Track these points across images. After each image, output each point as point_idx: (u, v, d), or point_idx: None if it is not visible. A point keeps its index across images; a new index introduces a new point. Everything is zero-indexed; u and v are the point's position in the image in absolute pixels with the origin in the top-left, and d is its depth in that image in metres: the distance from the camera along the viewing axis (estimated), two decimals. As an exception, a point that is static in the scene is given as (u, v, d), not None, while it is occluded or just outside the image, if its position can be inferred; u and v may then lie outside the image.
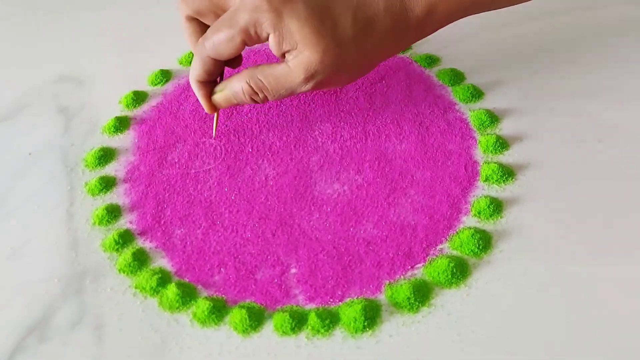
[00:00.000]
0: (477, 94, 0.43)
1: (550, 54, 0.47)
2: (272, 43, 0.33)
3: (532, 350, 0.29)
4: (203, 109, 0.44)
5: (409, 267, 0.33)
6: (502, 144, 0.39)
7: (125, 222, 0.36)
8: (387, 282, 0.32)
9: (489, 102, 0.43)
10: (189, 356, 0.30)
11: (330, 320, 0.31)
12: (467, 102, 0.43)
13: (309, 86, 0.34)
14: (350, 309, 0.31)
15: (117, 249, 0.35)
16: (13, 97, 0.46)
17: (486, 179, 0.37)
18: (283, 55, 0.34)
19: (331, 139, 0.40)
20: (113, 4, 0.57)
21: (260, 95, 0.35)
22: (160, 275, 0.33)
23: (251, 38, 0.33)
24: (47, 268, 0.34)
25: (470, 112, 0.42)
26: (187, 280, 0.33)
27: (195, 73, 0.36)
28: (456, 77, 0.45)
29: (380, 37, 0.34)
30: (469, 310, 0.31)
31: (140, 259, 0.34)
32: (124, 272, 0.33)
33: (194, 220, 0.36)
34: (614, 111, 0.41)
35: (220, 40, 0.33)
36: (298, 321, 0.31)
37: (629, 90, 0.43)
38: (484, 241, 0.34)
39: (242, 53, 0.36)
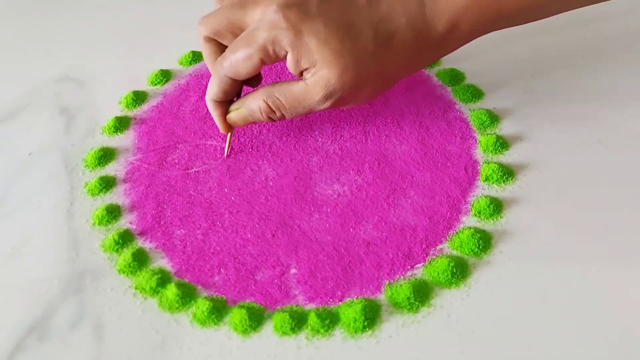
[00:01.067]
0: (477, 94, 0.43)
1: (550, 54, 0.47)
2: (289, 61, 0.33)
3: (532, 351, 0.29)
4: (203, 109, 0.44)
5: (409, 267, 0.33)
6: (502, 144, 0.39)
7: (125, 222, 0.36)
8: (387, 282, 0.32)
9: (489, 102, 0.43)
10: (189, 356, 0.30)
11: (330, 321, 0.31)
12: (467, 102, 0.43)
13: (327, 104, 0.34)
14: (350, 309, 0.31)
15: (117, 249, 0.35)
16: (13, 97, 0.46)
17: (486, 179, 0.37)
18: (301, 74, 0.33)
19: (331, 140, 0.40)
20: (113, 4, 0.57)
21: (278, 113, 0.35)
22: (160, 276, 0.33)
23: (269, 56, 0.33)
24: (47, 268, 0.34)
25: (470, 112, 0.42)
26: (187, 280, 0.33)
27: (212, 92, 0.36)
28: (456, 77, 0.45)
29: (401, 53, 0.34)
30: (469, 311, 0.31)
31: (140, 260, 0.34)
32: (123, 273, 0.33)
33: (194, 221, 0.36)
34: (614, 111, 0.41)
35: (239, 59, 0.33)
36: (298, 321, 0.31)
37: (630, 90, 0.43)
38: (484, 241, 0.34)
39: (260, 72, 0.36)
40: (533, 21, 0.37)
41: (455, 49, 0.36)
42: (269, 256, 0.34)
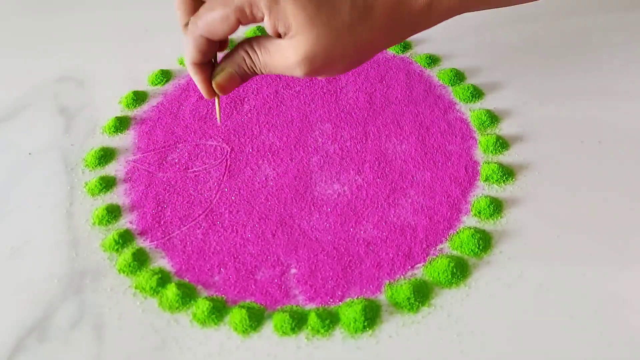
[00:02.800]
0: (477, 94, 0.43)
1: (550, 54, 0.47)
2: (266, 24, 0.32)
3: (531, 351, 0.29)
4: (203, 109, 0.44)
5: (409, 267, 0.33)
6: (502, 144, 0.39)
7: (125, 222, 0.36)
8: (387, 282, 0.32)
9: (489, 102, 0.43)
10: (189, 356, 0.30)
11: (330, 321, 0.31)
12: (467, 102, 0.43)
13: (300, 71, 0.33)
14: (350, 309, 0.31)
15: (117, 249, 0.35)
16: (13, 97, 0.46)
17: (486, 179, 0.37)
18: (279, 35, 0.33)
19: (331, 140, 0.40)
20: (113, 4, 0.57)
21: (255, 67, 0.34)
22: (160, 276, 0.33)
23: (246, 17, 0.32)
24: (47, 268, 0.34)
25: (471, 112, 0.42)
26: (187, 280, 0.33)
27: (190, 55, 0.34)
28: (456, 77, 0.45)
29: (378, 26, 0.33)
30: (469, 311, 0.31)
31: (140, 259, 0.34)
32: (123, 272, 0.33)
33: (194, 220, 0.36)
34: (614, 112, 0.41)
35: (215, 19, 0.32)
36: (298, 321, 0.31)
37: (629, 90, 0.43)
38: (484, 241, 0.34)
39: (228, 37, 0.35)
40: (513, 5, 0.36)
41: (434, 25, 0.35)
42: (269, 256, 0.34)
